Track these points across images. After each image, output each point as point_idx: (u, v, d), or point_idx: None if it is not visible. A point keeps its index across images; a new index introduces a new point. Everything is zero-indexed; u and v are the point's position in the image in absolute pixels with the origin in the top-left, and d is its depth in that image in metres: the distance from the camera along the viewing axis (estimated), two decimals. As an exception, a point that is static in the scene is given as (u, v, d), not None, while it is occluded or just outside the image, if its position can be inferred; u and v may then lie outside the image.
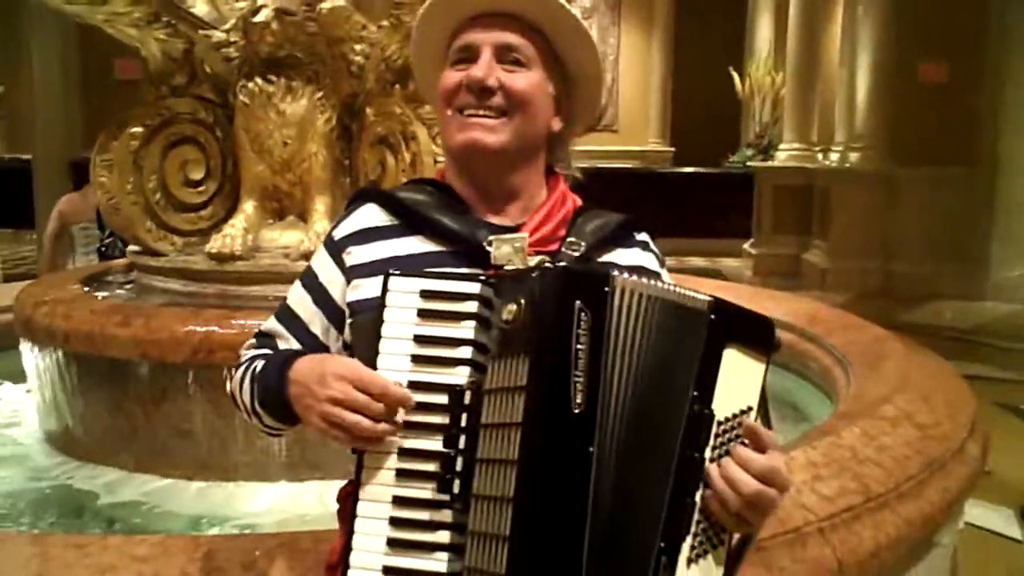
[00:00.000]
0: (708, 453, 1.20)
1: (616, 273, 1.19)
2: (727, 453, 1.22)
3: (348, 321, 1.41)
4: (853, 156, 9.99)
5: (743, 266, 11.70)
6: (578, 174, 1.54)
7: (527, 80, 1.38)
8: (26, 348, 3.55)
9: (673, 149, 16.78)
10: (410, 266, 1.34)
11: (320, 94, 3.49)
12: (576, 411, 1.12)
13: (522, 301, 1.15)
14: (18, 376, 3.89)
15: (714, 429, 1.21)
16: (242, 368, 1.46)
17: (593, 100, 1.51)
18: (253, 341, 1.54)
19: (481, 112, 1.37)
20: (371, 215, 1.45)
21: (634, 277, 1.21)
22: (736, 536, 1.28)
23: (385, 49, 3.45)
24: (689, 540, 1.19)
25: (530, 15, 1.38)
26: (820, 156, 11.35)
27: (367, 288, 1.37)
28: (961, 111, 9.22)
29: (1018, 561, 3.94)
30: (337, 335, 1.46)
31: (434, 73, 1.47)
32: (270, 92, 3.45)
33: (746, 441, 1.23)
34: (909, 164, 9.34)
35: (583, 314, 1.13)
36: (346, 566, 1.21)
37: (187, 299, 3.48)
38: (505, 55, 1.38)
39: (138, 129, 3.59)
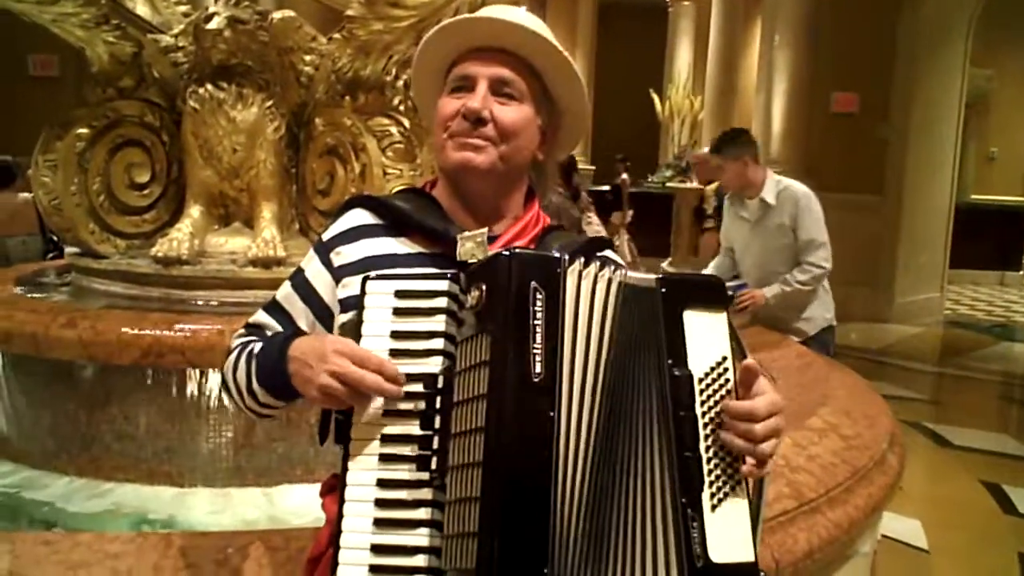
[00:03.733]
0: (698, 408, 1.30)
1: (568, 257, 1.30)
2: (717, 403, 1.31)
3: (339, 319, 1.49)
4: (768, 181, 10.30)
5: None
6: (556, 198, 1.66)
7: (517, 113, 1.49)
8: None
9: (594, 167, 17.05)
10: (392, 265, 1.45)
11: (270, 103, 3.51)
12: (536, 380, 1.22)
13: (483, 287, 1.26)
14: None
15: (698, 386, 1.31)
16: (235, 352, 1.55)
17: (577, 132, 1.64)
18: (243, 331, 1.62)
19: (473, 137, 1.48)
20: (359, 216, 1.56)
21: (585, 261, 1.31)
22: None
23: (336, 61, 3.49)
24: (707, 489, 1.28)
25: (525, 52, 1.50)
26: (736, 179, 11.65)
27: (355, 286, 1.45)
28: (871, 141, 9.63)
29: (923, 569, 4.17)
30: (323, 330, 1.54)
31: (430, 93, 1.59)
32: (220, 99, 3.46)
33: (733, 388, 1.32)
34: (822, 190, 9.60)
35: (538, 293, 1.24)
36: (336, 547, 1.28)
37: (130, 302, 3.44)
38: (499, 88, 1.49)
39: (84, 130, 3.56)
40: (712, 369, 1.32)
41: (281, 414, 1.59)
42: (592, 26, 17.49)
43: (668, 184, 13.21)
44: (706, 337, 1.33)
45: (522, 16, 1.52)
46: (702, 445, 1.29)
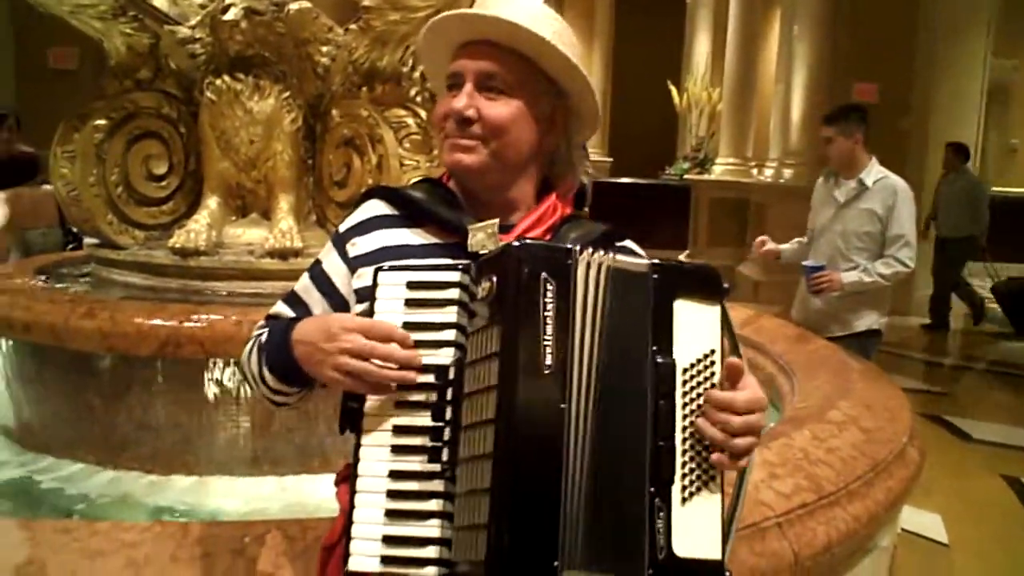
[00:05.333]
0: (678, 399, 1.30)
1: (577, 249, 1.28)
2: (699, 396, 1.31)
3: (355, 309, 1.49)
4: (787, 172, 10.27)
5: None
6: (585, 180, 1.63)
7: (505, 109, 1.47)
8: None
9: (611, 159, 17.01)
10: (406, 256, 1.44)
11: (287, 94, 3.52)
12: (547, 371, 1.22)
13: (494, 278, 1.26)
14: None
15: (680, 376, 1.30)
16: (251, 343, 1.56)
17: (590, 110, 1.59)
18: (262, 322, 1.62)
19: (462, 138, 1.47)
20: (375, 207, 1.56)
21: (592, 250, 1.30)
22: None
23: (353, 52, 3.49)
24: (678, 481, 1.28)
25: (508, 42, 1.47)
26: (755, 171, 11.62)
27: (369, 276, 1.44)
28: (891, 132, 9.55)
29: (943, 564, 4.14)
30: None
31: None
32: (238, 90, 3.46)
33: (719, 382, 1.32)
34: (841, 182, 9.61)
35: (548, 284, 1.23)
36: (348, 537, 1.28)
37: (147, 293, 3.48)
38: (486, 82, 1.47)
39: (102, 122, 3.58)
40: (699, 361, 1.32)
41: (298, 405, 1.59)
42: (610, 18, 17.43)
43: (686, 176, 13.16)
44: (696, 328, 1.32)
45: (502, 2, 1.48)
46: (678, 436, 1.29)
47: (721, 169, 12.20)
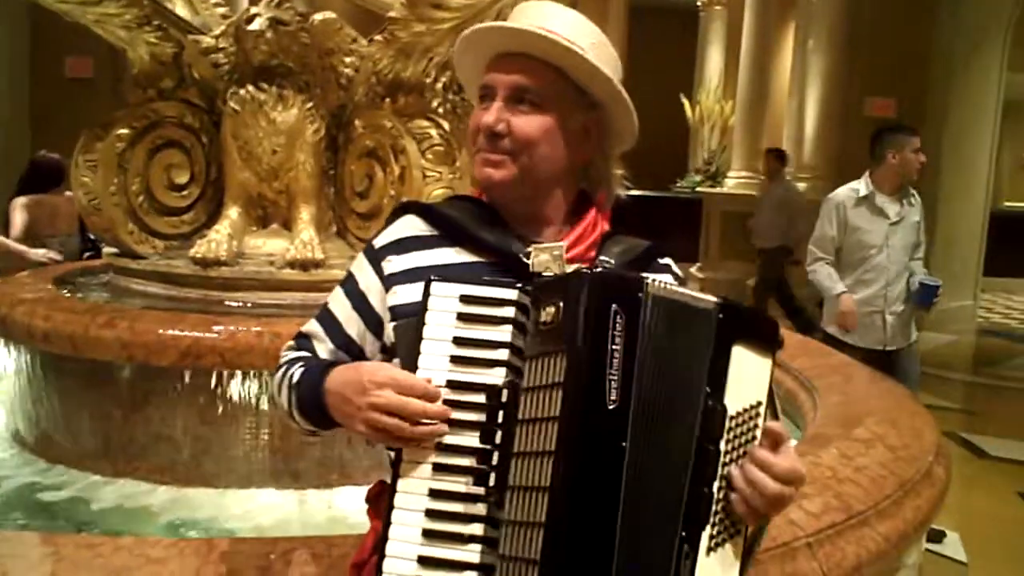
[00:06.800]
0: (722, 446, 1.27)
1: (649, 280, 1.25)
2: (740, 446, 1.28)
3: (391, 325, 1.46)
4: (800, 186, 10.24)
5: (690, 290, 11.88)
6: (623, 194, 1.61)
7: (535, 123, 1.45)
8: (-1, 348, 3.51)
9: (622, 172, 16.94)
10: (448, 275, 1.39)
11: (310, 104, 3.52)
12: (611, 407, 1.18)
13: (560, 304, 1.22)
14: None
15: (727, 423, 1.27)
16: (280, 371, 1.52)
17: (626, 122, 1.57)
18: (292, 343, 1.59)
19: (492, 152, 1.45)
20: (411, 225, 1.52)
21: (660, 283, 1.28)
22: (750, 528, 1.34)
23: (377, 63, 3.48)
24: (708, 529, 1.26)
25: (540, 54, 1.45)
26: (768, 184, 11.59)
27: (406, 293, 1.43)
28: (905, 147, 9.51)
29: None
30: (373, 339, 1.51)
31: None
32: (261, 100, 3.46)
33: (759, 438, 1.30)
34: (855, 197, 9.59)
35: (619, 316, 1.19)
36: (381, 555, 1.25)
37: (168, 303, 3.46)
38: (518, 96, 1.45)
39: (124, 131, 3.58)
40: (745, 411, 1.29)
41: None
42: (623, 30, 17.38)
43: (698, 189, 13.14)
44: (747, 377, 1.29)
45: (546, 11, 1.47)
46: (716, 484, 1.26)
47: (733, 182, 12.18)
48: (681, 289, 1.30)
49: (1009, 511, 4.99)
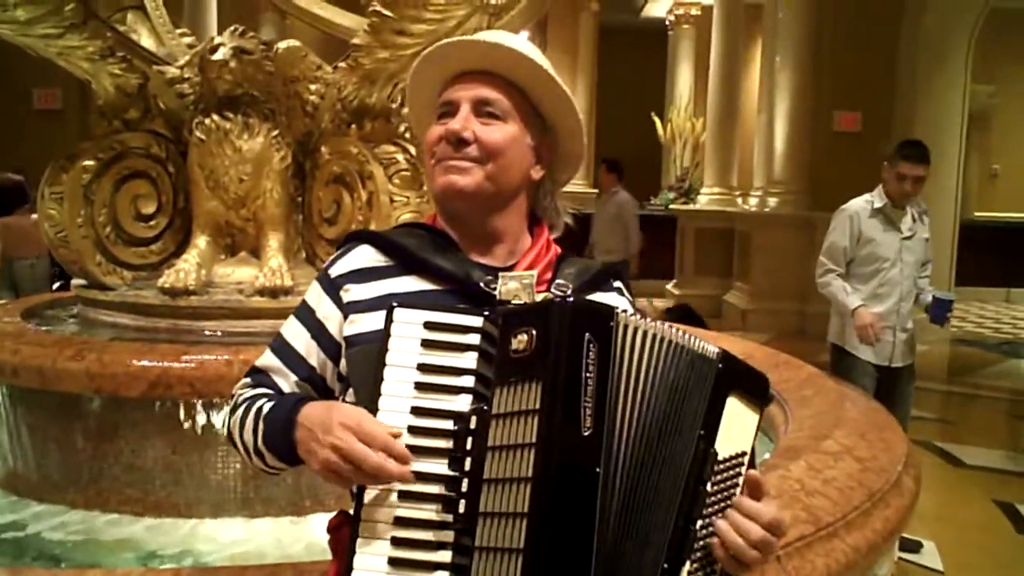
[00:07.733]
0: (709, 487, 1.31)
1: (620, 310, 1.27)
2: (724, 491, 1.32)
3: (345, 353, 1.46)
4: (772, 201, 10.33)
5: (665, 306, 11.94)
6: (569, 221, 1.63)
7: (501, 132, 1.47)
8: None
9: (596, 191, 17.03)
10: (408, 302, 1.38)
11: (276, 132, 3.52)
12: (585, 433, 1.20)
13: (533, 332, 1.23)
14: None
15: (716, 467, 1.31)
16: (242, 408, 1.48)
17: (574, 150, 1.59)
18: (248, 380, 1.56)
19: (457, 159, 1.46)
20: (366, 255, 1.51)
21: (636, 316, 1.30)
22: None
23: (342, 90, 3.50)
24: (688, 565, 1.28)
25: (505, 70, 1.48)
26: (740, 200, 11.69)
27: (365, 322, 1.42)
28: (874, 160, 9.61)
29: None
30: (333, 367, 1.50)
31: (426, 126, 1.55)
32: (227, 129, 3.46)
33: (741, 486, 1.33)
34: (826, 209, 9.64)
35: (591, 345, 1.21)
36: None
37: (137, 334, 3.45)
38: (482, 108, 1.47)
39: (90, 162, 3.57)
40: (731, 458, 1.33)
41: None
42: (593, 49, 17.52)
43: (671, 206, 13.22)
44: (737, 427, 1.34)
45: (502, 36, 1.50)
46: (699, 523, 1.29)
47: (706, 199, 12.29)
48: (678, 331, 1.33)
49: (986, 519, 5.01)
